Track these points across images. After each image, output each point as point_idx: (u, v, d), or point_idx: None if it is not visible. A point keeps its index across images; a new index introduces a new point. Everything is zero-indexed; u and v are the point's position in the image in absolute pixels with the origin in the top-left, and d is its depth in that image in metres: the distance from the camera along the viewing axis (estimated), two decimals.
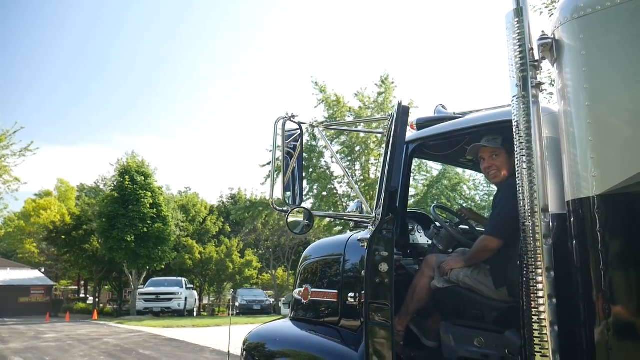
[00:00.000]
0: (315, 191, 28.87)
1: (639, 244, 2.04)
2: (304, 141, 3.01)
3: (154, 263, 29.66)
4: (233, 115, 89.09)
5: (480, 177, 28.99)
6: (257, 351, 3.78)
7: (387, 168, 2.69)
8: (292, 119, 2.93)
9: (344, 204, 29.88)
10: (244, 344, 3.90)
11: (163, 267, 32.37)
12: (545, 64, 2.47)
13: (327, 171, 29.28)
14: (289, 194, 2.89)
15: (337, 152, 29.15)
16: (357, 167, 29.54)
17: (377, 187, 3.24)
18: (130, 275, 30.86)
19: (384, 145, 3.03)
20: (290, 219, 2.84)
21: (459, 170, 27.81)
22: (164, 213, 29.40)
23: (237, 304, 28.17)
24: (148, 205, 28.40)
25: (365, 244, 2.69)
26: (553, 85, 2.51)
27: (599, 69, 2.16)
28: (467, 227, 3.70)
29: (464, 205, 24.05)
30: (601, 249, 2.09)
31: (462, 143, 3.33)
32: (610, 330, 2.04)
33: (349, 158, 29.01)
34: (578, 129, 2.21)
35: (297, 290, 3.88)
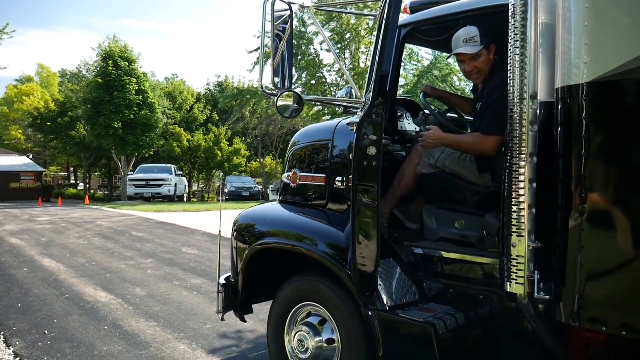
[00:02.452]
0: (303, 79, 28.43)
1: (622, 133, 2.09)
2: (294, 24, 2.91)
3: (142, 150, 29.78)
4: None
5: None
6: (247, 231, 3.93)
7: (378, 52, 2.64)
8: None
9: (333, 93, 29.59)
10: (234, 225, 4.05)
11: (152, 153, 32.56)
12: None
13: (316, 59, 28.62)
14: (277, 79, 2.84)
15: (324, 41, 28.33)
16: (347, 55, 28.86)
17: (368, 73, 3.20)
18: (119, 162, 31.10)
19: (376, 31, 2.94)
20: (280, 103, 2.82)
21: (451, 60, 27.31)
22: (151, 100, 29.00)
23: (226, 190, 28.79)
24: (134, 92, 27.93)
25: (355, 128, 2.71)
26: None
27: None
28: (455, 115, 3.72)
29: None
30: (584, 137, 2.14)
31: (457, 28, 3.24)
32: (585, 214, 2.14)
33: (339, 46, 28.24)
34: (575, 14, 2.16)
35: (285, 175, 3.96)
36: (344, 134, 3.46)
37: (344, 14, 25.04)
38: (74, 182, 48.68)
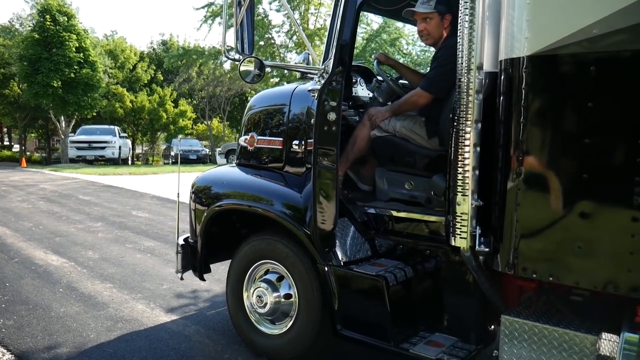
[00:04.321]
0: None
1: (556, 102, 2.31)
2: None
3: (84, 110, 28.59)
4: None
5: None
6: (205, 193, 4.03)
7: (338, 22, 2.75)
8: None
9: (282, 55, 29.27)
10: (192, 187, 4.13)
11: (95, 114, 31.36)
12: None
13: (265, 19, 28.12)
14: (239, 44, 2.91)
15: (274, 1, 27.83)
16: (296, 16, 28.47)
17: (325, 39, 3.31)
18: (58, 123, 29.79)
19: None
20: (242, 68, 2.90)
21: (399, 24, 27.61)
22: (92, 58, 27.70)
23: (172, 153, 28.30)
24: (74, 49, 26.56)
25: (316, 94, 2.83)
26: None
27: None
28: (406, 81, 3.90)
29: (402, 60, 24.43)
30: (524, 105, 2.35)
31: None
32: (521, 175, 2.38)
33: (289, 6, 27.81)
34: None
35: (242, 138, 4.05)
36: (300, 99, 3.58)
37: None
38: (7, 143, 46.34)
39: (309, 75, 3.65)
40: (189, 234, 4.22)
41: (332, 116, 2.76)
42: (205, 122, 38.44)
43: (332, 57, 2.76)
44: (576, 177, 2.26)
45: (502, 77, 2.46)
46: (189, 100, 38.18)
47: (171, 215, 9.13)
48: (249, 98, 35.98)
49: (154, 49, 41.99)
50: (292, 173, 3.60)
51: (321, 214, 2.91)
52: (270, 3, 28.04)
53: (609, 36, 2.11)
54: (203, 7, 28.07)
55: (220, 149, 27.77)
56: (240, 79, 2.89)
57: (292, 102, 3.65)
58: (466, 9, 2.46)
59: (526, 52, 2.32)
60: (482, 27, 2.46)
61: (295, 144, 3.54)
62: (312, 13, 28.56)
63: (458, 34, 2.50)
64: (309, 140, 3.40)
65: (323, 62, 2.95)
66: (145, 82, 37.34)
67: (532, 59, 2.31)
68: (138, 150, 41.51)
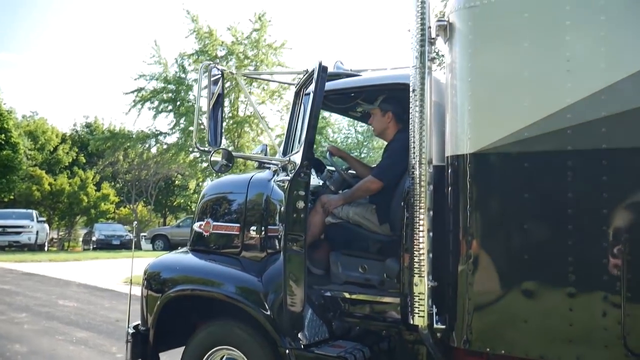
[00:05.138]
0: (182, 125, 28.15)
1: (497, 193, 2.67)
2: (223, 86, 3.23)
3: (1, 194, 27.09)
4: (91, 36, 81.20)
5: (343, 122, 30.51)
6: (158, 279, 4.02)
7: (305, 121, 3.04)
8: (216, 65, 3.14)
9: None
10: (144, 274, 4.11)
11: (12, 197, 29.71)
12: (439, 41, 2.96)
13: (195, 105, 28.60)
14: (209, 136, 3.12)
15: (206, 87, 28.49)
16: (226, 103, 29.22)
17: (285, 133, 3.61)
18: None
19: (290, 96, 3.37)
20: (212, 159, 3.10)
21: (326, 114, 29.18)
22: (14, 139, 26.73)
23: (93, 238, 27.04)
24: None
25: (286, 185, 3.06)
26: (443, 60, 3.01)
27: (482, 52, 2.68)
28: (354, 171, 4.22)
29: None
30: (469, 195, 2.69)
31: (358, 98, 3.79)
32: (471, 258, 2.67)
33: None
34: (460, 98, 2.74)
35: (197, 224, 4.14)
36: (258, 187, 3.80)
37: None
38: None
39: (265, 165, 3.88)
40: (139, 322, 4.14)
41: (300, 204, 2.98)
42: (130, 206, 37.33)
43: (301, 152, 3.02)
44: (518, 258, 2.58)
45: (449, 171, 2.81)
46: (112, 183, 37.22)
47: (101, 304, 8.75)
48: (175, 182, 35.79)
49: (77, 131, 41.16)
50: (249, 258, 3.71)
51: (291, 296, 3.03)
52: (246, 103, 28.65)
53: (537, 138, 2.52)
54: (132, 92, 28.28)
55: (146, 234, 26.83)
56: (209, 167, 3.07)
57: (250, 189, 3.84)
58: (416, 111, 2.82)
59: (469, 150, 2.69)
60: (430, 128, 2.83)
61: (253, 230, 3.69)
62: (242, 101, 29.46)
63: (410, 132, 2.85)
64: (269, 227, 3.58)
65: (284, 154, 3.21)
66: (67, 164, 36.20)
67: (474, 155, 2.68)
68: (53, 235, 39.26)
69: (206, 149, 3.12)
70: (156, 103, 28.66)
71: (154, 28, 75.49)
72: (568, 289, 2.42)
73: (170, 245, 23.33)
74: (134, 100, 28.23)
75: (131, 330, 4.04)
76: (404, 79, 3.38)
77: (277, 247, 3.55)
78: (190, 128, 28.18)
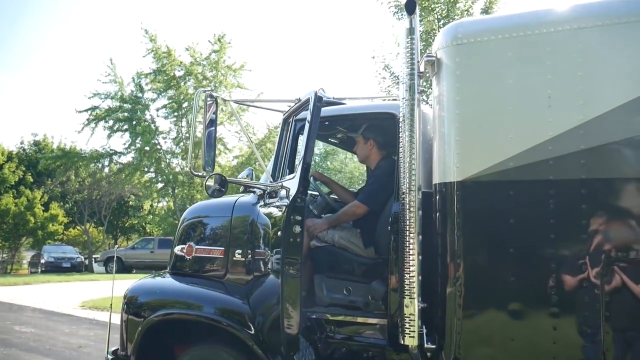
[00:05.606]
0: (138, 145, 27.66)
1: (483, 218, 2.83)
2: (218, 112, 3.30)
3: None
4: (40, 51, 78.78)
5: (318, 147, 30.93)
6: (140, 304, 3.98)
7: (304, 149, 3.14)
8: (211, 92, 3.21)
9: (168, 160, 29.20)
10: (124, 298, 4.06)
11: None
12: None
13: (152, 125, 28.22)
14: (203, 162, 3.18)
15: (163, 107, 28.21)
16: (184, 123, 28.96)
17: (275, 157, 3.70)
18: None
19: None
20: (207, 183, 3.16)
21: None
22: None
23: (42, 260, 25.95)
24: None
25: (273, 209, 3.14)
26: (431, 92, 3.18)
27: (469, 86, 2.87)
28: (336, 196, 4.34)
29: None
30: (457, 220, 2.84)
31: (343, 126, 3.94)
32: (459, 280, 2.81)
33: (176, 114, 28.32)
34: (448, 130, 2.91)
35: (179, 247, 4.15)
36: (243, 210, 3.85)
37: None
38: None
39: (250, 189, 3.94)
40: (117, 347, 4.07)
41: (297, 229, 3.06)
42: (81, 227, 36.08)
43: (297, 178, 3.11)
44: (504, 280, 2.74)
45: (437, 197, 2.96)
46: (62, 203, 35.94)
47: (60, 329, 8.46)
48: (129, 203, 34.88)
49: (24, 149, 39.68)
50: (234, 281, 3.74)
51: (287, 319, 3.08)
52: (157, 110, 28.41)
53: (521, 168, 2.71)
54: (86, 110, 27.67)
55: (99, 256, 25.97)
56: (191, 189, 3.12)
57: (235, 213, 3.89)
58: (406, 140, 2.96)
59: (457, 178, 2.85)
60: (419, 156, 2.98)
61: (239, 253, 3.74)
62: (199, 121, 29.22)
63: (400, 160, 2.99)
64: (255, 250, 3.63)
65: (279, 179, 3.30)
66: (13, 183, 34.74)
67: (462, 183, 2.84)
68: None
69: (201, 174, 3.18)
70: (111, 122, 28.16)
71: (109, 46, 73.99)
72: (552, 309, 2.60)
73: (124, 267, 22.66)
74: (87, 119, 27.61)
75: (110, 357, 3.98)
76: (390, 109, 3.56)
77: (263, 270, 3.62)
78: (146, 148, 27.81)
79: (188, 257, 4.04)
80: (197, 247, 4.02)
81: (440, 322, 2.88)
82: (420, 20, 12.65)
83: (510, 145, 2.74)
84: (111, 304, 4.21)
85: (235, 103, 3.48)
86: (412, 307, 2.87)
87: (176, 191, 28.63)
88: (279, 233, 3.14)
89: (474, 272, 2.82)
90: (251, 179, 3.95)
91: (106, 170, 30.30)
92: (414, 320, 2.87)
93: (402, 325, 2.90)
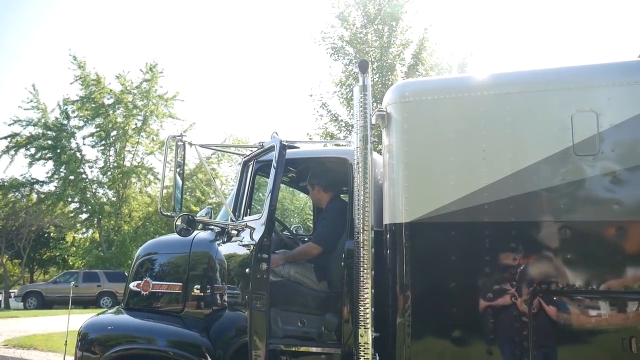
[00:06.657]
0: (62, 173, 26.63)
1: (428, 255, 3.20)
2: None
3: None
4: None
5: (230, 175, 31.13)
6: (94, 341, 4.00)
7: (270, 193, 3.40)
8: (181, 138, 3.43)
9: (94, 190, 28.23)
10: (79, 335, 4.08)
11: None
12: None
13: (78, 153, 27.30)
14: (173, 202, 3.37)
15: (90, 135, 27.41)
16: (112, 152, 28.24)
17: (235, 197, 3.93)
18: None
19: (236, 162, 3.72)
20: (176, 223, 3.33)
21: (215, 166, 29.58)
22: None
23: None
24: None
25: (251, 248, 3.38)
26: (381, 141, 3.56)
27: (415, 138, 3.27)
28: (289, 233, 4.61)
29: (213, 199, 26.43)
30: (406, 257, 3.20)
31: (297, 168, 4.24)
32: (408, 311, 3.15)
33: (104, 142, 27.61)
34: (397, 176, 3.29)
35: (134, 283, 4.23)
36: (201, 247, 4.04)
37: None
38: None
39: (209, 227, 4.12)
40: None
41: (264, 266, 3.28)
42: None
43: (264, 219, 3.36)
44: (448, 310, 3.11)
45: (388, 236, 3.31)
46: None
47: None
48: (52, 235, 32.99)
49: None
50: (192, 315, 3.90)
51: (255, 351, 3.28)
52: (83, 138, 27.60)
53: (461, 211, 3.12)
54: (5, 138, 26.48)
55: (16, 291, 24.35)
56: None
57: (193, 249, 4.06)
58: (360, 184, 3.29)
59: (405, 220, 3.22)
60: (371, 198, 3.32)
61: (197, 289, 3.90)
62: (129, 150, 28.62)
63: (354, 202, 3.31)
64: (214, 285, 3.82)
65: (240, 218, 3.55)
66: None
67: (409, 224, 3.20)
68: None
69: (170, 214, 3.36)
70: (33, 150, 27.04)
71: (31, 71, 70.59)
72: (488, 335, 2.98)
73: (44, 303, 21.41)
74: (7, 146, 26.43)
75: None
76: (342, 154, 3.91)
77: (222, 304, 3.80)
78: (71, 177, 26.82)
79: (144, 293, 4.14)
80: (154, 282, 4.13)
81: (391, 349, 3.19)
82: (355, 61, 13.37)
83: (451, 191, 3.14)
84: (66, 342, 4.20)
85: (202, 147, 3.69)
86: (367, 336, 3.17)
87: (102, 222, 27.67)
88: (246, 270, 3.35)
89: (420, 303, 3.17)
90: (210, 217, 4.14)
91: (25, 200, 28.84)
92: (369, 348, 3.16)
93: (357, 353, 3.19)
